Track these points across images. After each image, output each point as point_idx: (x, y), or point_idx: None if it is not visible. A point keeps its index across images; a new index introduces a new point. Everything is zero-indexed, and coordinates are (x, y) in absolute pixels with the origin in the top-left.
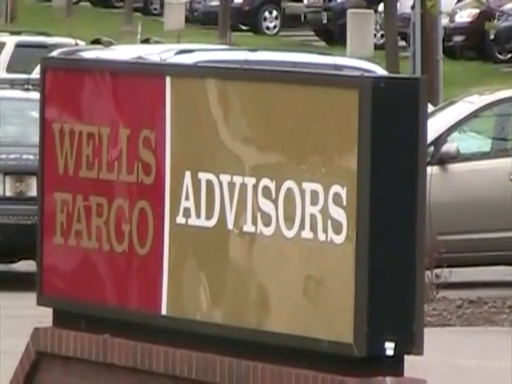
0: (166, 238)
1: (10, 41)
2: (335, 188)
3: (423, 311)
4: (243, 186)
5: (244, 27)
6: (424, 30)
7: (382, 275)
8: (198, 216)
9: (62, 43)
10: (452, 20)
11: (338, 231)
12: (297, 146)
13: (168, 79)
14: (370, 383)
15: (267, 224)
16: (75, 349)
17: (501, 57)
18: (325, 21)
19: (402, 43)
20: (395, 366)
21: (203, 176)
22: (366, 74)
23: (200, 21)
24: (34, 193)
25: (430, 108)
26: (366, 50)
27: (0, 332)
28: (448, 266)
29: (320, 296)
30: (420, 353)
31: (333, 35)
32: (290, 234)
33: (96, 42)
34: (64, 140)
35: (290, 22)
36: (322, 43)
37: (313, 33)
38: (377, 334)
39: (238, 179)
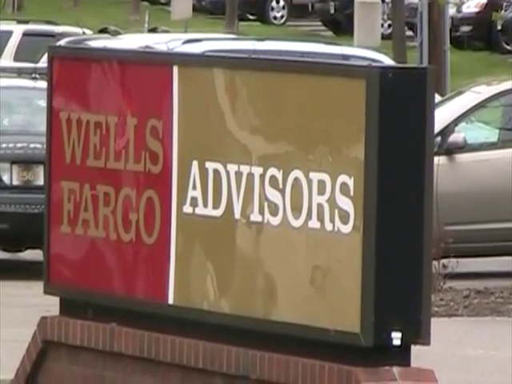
0: (173, 227)
1: (18, 29)
2: (342, 178)
3: (430, 301)
4: (250, 175)
5: (251, 17)
6: (431, 20)
7: (389, 265)
8: (205, 205)
9: (69, 32)
10: (459, 10)
11: (345, 221)
12: (304, 135)
13: (175, 68)
14: (376, 373)
15: (274, 214)
16: (82, 338)
17: (508, 47)
18: (332, 11)
19: (410, 33)
20: (402, 355)
21: (210, 165)
22: (374, 64)
23: (207, 10)
24: (41, 182)
25: (437, 98)
26: (374, 40)
27: (7, 321)
28: (455, 256)
29: (327, 286)
30: (427, 343)
31: (340, 25)
32: (297, 223)
33: (103, 31)
34: (71, 129)
35: (298, 11)
36: (330, 33)
37: (320, 23)
38: (384, 324)
39: (245, 169)
